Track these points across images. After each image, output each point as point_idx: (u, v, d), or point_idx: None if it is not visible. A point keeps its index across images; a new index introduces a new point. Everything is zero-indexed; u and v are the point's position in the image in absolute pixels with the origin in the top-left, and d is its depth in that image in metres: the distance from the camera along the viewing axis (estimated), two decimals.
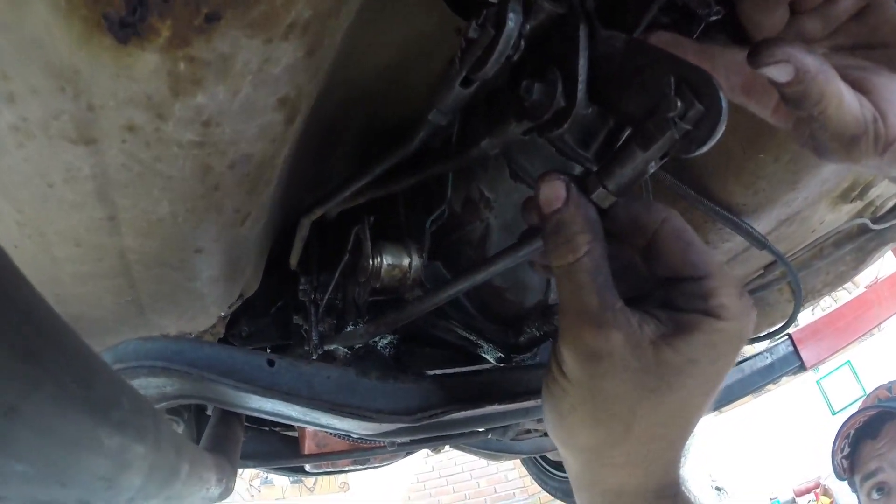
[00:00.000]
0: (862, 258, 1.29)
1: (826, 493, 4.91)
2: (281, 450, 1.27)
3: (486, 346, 0.81)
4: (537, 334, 0.78)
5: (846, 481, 1.54)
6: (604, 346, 0.43)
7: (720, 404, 1.79)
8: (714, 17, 0.47)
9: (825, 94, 0.40)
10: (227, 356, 0.51)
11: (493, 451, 1.82)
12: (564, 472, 2.14)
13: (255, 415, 0.59)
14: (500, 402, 0.63)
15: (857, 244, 1.22)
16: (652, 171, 0.44)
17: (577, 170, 0.56)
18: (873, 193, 0.95)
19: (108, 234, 0.44)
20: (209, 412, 1.07)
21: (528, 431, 1.99)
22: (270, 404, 0.54)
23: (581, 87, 0.43)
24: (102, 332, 0.62)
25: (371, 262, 0.63)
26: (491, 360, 0.86)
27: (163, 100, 0.32)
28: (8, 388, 0.22)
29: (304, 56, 0.34)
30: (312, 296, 0.76)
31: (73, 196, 0.39)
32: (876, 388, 1.62)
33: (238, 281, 0.64)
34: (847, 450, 1.50)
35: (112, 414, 0.34)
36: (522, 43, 0.43)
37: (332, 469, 1.40)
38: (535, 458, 2.31)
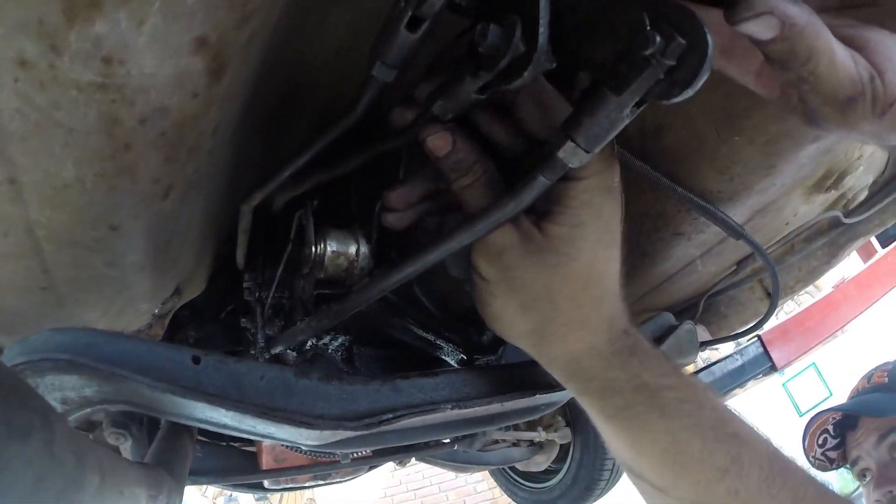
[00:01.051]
0: (833, 253, 1.27)
1: None
2: (239, 465, 1.21)
3: (446, 346, 0.76)
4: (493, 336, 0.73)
5: (836, 470, 1.60)
6: (502, 240, 0.49)
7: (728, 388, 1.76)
8: None
9: (815, 50, 0.36)
10: (145, 351, 0.45)
11: (461, 462, 1.77)
12: (534, 482, 2.11)
13: (181, 422, 0.52)
14: (460, 405, 0.57)
15: (828, 238, 1.20)
16: (627, 120, 0.39)
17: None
18: (848, 183, 0.94)
19: (11, 201, 0.38)
20: None
21: (496, 442, 1.95)
22: (195, 408, 0.48)
23: (542, 29, 0.38)
24: (23, 326, 0.55)
25: (314, 250, 0.57)
26: (452, 362, 0.80)
27: (56, 26, 0.27)
28: None
29: None
30: (257, 294, 0.70)
31: None
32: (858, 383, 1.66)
33: (169, 272, 0.58)
34: (832, 442, 1.54)
35: None
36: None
37: (292, 485, 1.33)
38: (503, 468, 2.26)
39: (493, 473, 2.39)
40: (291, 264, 0.65)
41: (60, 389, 0.48)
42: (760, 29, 0.35)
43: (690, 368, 2.32)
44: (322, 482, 1.40)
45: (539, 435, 1.91)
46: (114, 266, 0.48)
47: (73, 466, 0.39)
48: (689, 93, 0.36)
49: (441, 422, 0.64)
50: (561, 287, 0.50)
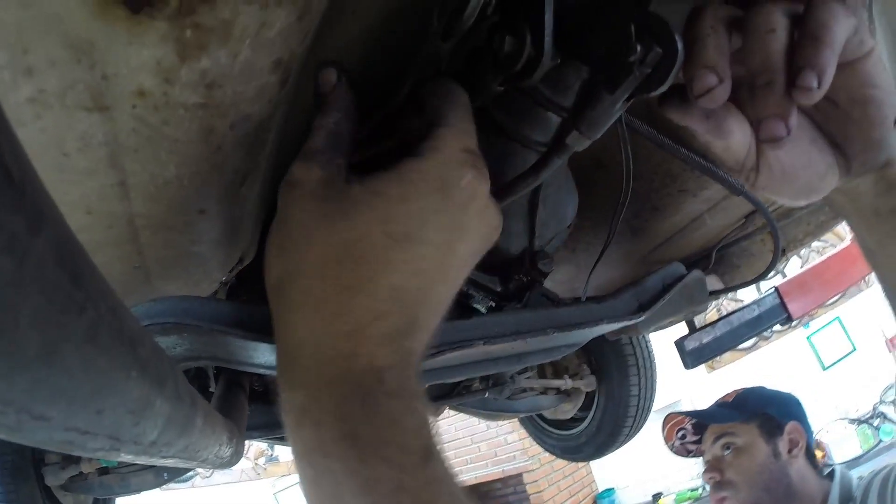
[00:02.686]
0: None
1: (819, 446, 5.05)
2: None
3: (476, 295, 0.85)
4: (524, 280, 0.81)
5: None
6: (302, 175, 0.44)
7: (709, 356, 1.85)
8: None
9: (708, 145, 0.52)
10: (233, 309, 0.54)
11: (493, 410, 1.88)
12: (561, 429, 2.22)
13: (260, 371, 0.62)
14: (490, 341, 0.67)
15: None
16: (620, 112, 0.50)
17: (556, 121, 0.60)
18: None
19: (118, 200, 0.47)
20: (213, 389, 1.10)
21: (524, 391, 2.05)
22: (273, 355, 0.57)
23: (547, 37, 0.47)
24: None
25: None
26: (482, 309, 0.89)
27: (171, 65, 0.35)
28: (57, 303, 0.25)
29: (295, 20, 0.37)
30: None
31: (86, 164, 0.41)
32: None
33: (238, 244, 0.67)
34: (692, 437, 1.91)
35: (138, 351, 0.37)
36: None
37: None
38: (532, 416, 2.38)
39: (522, 422, 2.51)
40: None
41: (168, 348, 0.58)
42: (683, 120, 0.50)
43: (709, 317, 2.39)
44: None
45: (565, 383, 2.01)
46: (197, 244, 0.57)
47: (189, 407, 0.49)
48: (663, 89, 0.47)
49: (474, 360, 0.73)
50: (320, 242, 0.43)
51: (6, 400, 0.25)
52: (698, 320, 2.10)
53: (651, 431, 2.19)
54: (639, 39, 0.44)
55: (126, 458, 0.45)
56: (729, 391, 1.99)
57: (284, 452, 6.03)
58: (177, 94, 0.37)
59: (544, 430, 2.36)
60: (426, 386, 1.27)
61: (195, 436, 0.54)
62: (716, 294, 1.41)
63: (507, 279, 0.82)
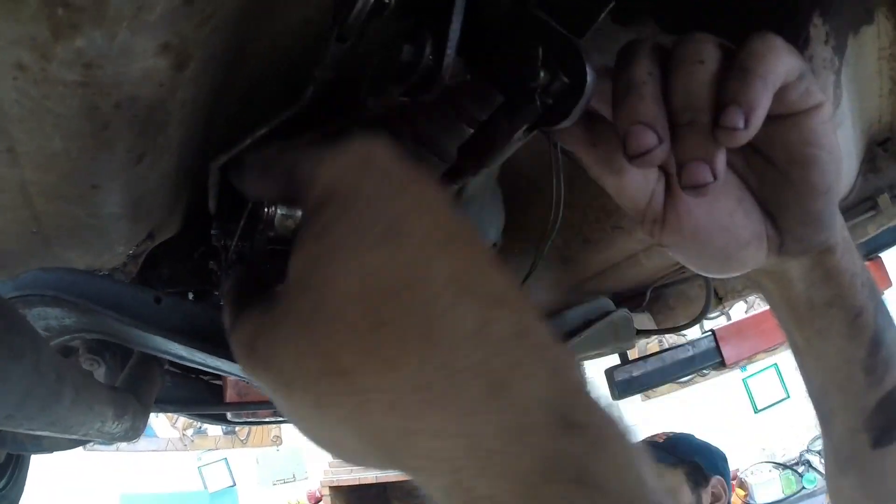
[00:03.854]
0: None
1: (742, 485, 5.16)
2: (203, 397, 1.30)
3: None
4: None
5: None
6: (242, 332, 0.35)
7: (637, 389, 1.87)
8: None
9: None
10: (116, 290, 0.54)
11: None
12: None
13: (149, 351, 0.62)
14: None
15: None
16: (521, 142, 0.46)
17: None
18: None
19: (9, 165, 0.46)
20: None
21: None
22: (155, 340, 0.57)
23: (449, 51, 0.44)
24: (13, 263, 0.63)
25: (266, 211, 0.66)
26: None
27: (45, 41, 0.35)
28: None
29: (181, 4, 0.37)
30: (223, 241, 0.79)
31: None
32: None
33: (143, 221, 0.66)
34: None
35: None
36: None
37: (253, 419, 1.43)
38: None
39: None
40: (251, 221, 0.73)
41: (45, 319, 0.58)
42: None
43: (650, 347, 2.42)
44: (282, 419, 1.49)
45: None
46: (94, 216, 0.57)
47: (53, 382, 0.49)
48: (566, 124, 0.42)
49: None
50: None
51: None
52: (638, 350, 2.12)
53: None
54: (545, 65, 0.40)
55: None
56: (659, 432, 2.04)
57: (212, 427, 5.96)
58: (54, 70, 0.37)
59: None
60: None
61: (62, 412, 0.53)
62: (645, 333, 1.40)
63: None
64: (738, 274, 0.49)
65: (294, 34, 0.58)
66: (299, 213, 0.69)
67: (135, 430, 0.80)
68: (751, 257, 0.47)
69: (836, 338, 0.50)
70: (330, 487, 5.79)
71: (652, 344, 2.72)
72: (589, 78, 0.40)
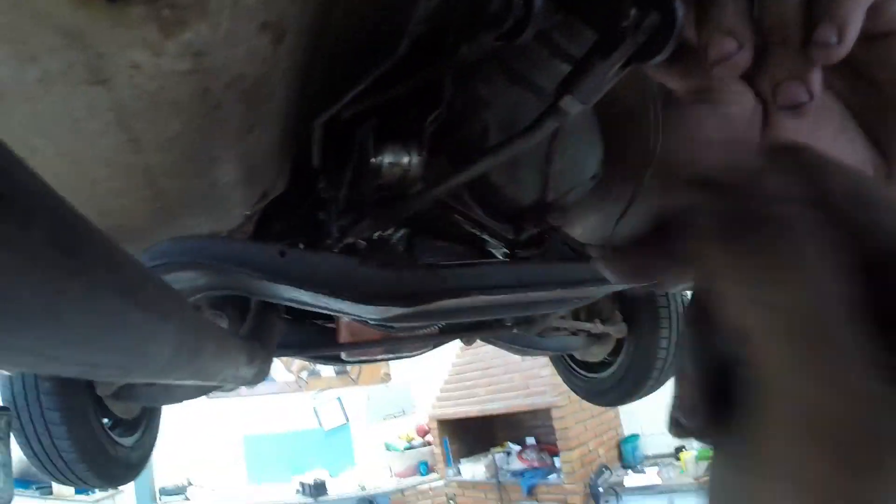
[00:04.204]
0: None
1: None
2: (318, 339, 1.39)
3: (490, 240, 0.87)
4: (535, 232, 0.83)
5: None
6: None
7: None
8: None
9: None
10: (243, 249, 0.59)
11: (522, 346, 1.93)
12: (589, 371, 2.24)
13: (275, 301, 0.67)
14: (490, 293, 0.69)
15: None
16: (616, 78, 0.45)
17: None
18: None
19: (132, 153, 0.51)
20: None
21: (557, 330, 2.09)
22: (283, 290, 0.62)
23: None
24: (142, 236, 0.70)
25: (373, 161, 0.69)
26: (498, 255, 0.91)
27: (156, 40, 0.37)
28: (53, 276, 0.29)
29: None
30: (331, 193, 0.83)
31: (97, 126, 0.45)
32: None
33: (257, 183, 0.71)
34: None
35: (139, 296, 0.42)
36: None
37: (365, 358, 1.52)
38: (563, 356, 2.41)
39: (553, 360, 2.56)
40: (357, 170, 0.77)
41: (178, 282, 0.64)
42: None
43: None
44: (392, 356, 1.57)
45: (595, 326, 2.02)
46: (213, 186, 0.61)
47: (197, 336, 0.55)
48: (659, 59, 0.41)
49: (474, 305, 0.76)
50: None
51: (22, 348, 0.31)
52: None
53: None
54: (635, 2, 0.41)
55: (139, 380, 0.51)
56: None
57: (324, 369, 6.33)
58: (167, 63, 0.40)
59: (573, 371, 2.39)
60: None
61: (206, 360, 0.60)
62: None
63: (519, 229, 0.84)
64: None
65: None
66: (405, 159, 0.71)
67: (262, 373, 0.87)
68: None
69: None
70: (437, 420, 6.07)
71: None
72: (679, 11, 0.40)
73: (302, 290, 0.61)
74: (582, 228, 1.29)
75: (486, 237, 0.89)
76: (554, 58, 0.65)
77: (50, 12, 0.34)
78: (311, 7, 0.49)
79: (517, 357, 5.64)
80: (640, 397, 2.15)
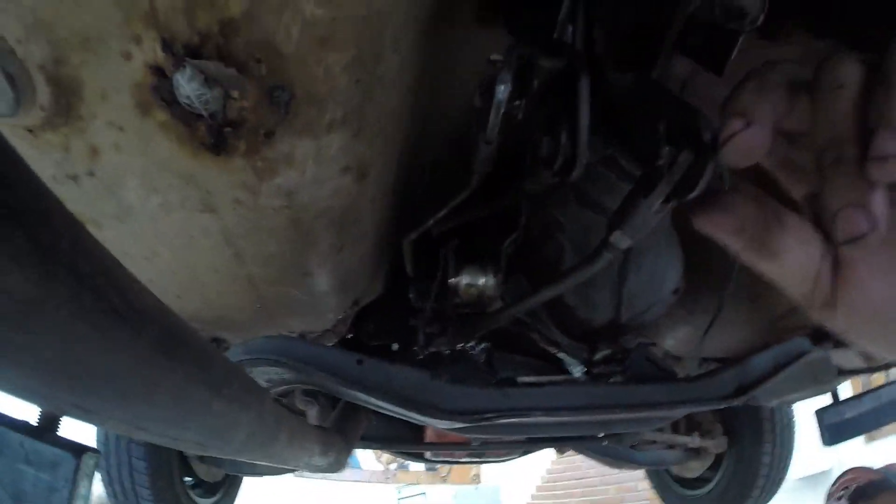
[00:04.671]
0: None
1: None
2: (405, 436, 1.43)
3: (566, 358, 0.89)
4: (608, 353, 0.84)
5: None
6: None
7: (852, 433, 1.66)
8: (751, 28, 0.44)
9: None
10: (324, 354, 0.66)
11: (614, 457, 1.86)
12: (686, 487, 2.11)
13: (353, 401, 0.73)
14: (549, 413, 0.71)
15: None
16: (661, 214, 0.46)
17: None
18: None
19: (237, 265, 0.60)
20: None
21: (653, 442, 1.99)
22: (357, 395, 0.68)
23: (582, 136, 0.47)
24: (245, 328, 0.80)
25: (451, 281, 0.75)
26: (575, 372, 0.93)
27: (253, 183, 0.46)
28: (152, 372, 0.36)
29: (351, 137, 0.46)
30: (419, 303, 0.90)
31: (207, 242, 0.55)
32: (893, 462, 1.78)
33: (349, 292, 0.79)
34: (844, 502, 1.73)
35: (223, 391, 0.49)
36: (521, 103, 0.48)
37: (449, 458, 1.53)
38: (660, 471, 2.28)
39: (649, 473, 2.42)
40: (440, 286, 0.83)
41: (267, 374, 0.72)
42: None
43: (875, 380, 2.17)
44: (478, 460, 1.58)
45: (693, 441, 1.92)
46: (307, 295, 0.69)
47: (273, 427, 0.61)
48: (695, 193, 0.42)
49: (537, 424, 0.78)
50: None
51: (119, 418, 0.39)
52: (863, 384, 1.90)
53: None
54: (669, 141, 0.41)
55: (214, 455, 0.59)
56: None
57: (414, 463, 6.28)
58: (263, 201, 0.48)
59: (668, 487, 2.25)
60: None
61: (278, 447, 0.66)
62: (850, 373, 1.29)
63: (594, 349, 0.85)
64: None
65: (457, 128, 0.67)
66: (482, 280, 0.77)
67: (338, 464, 0.92)
68: None
69: None
70: None
71: (879, 377, 2.40)
72: (709, 145, 0.39)
73: (374, 398, 0.66)
74: (674, 340, 1.26)
75: (561, 355, 0.91)
76: (621, 181, 0.69)
77: (170, 159, 0.44)
78: (389, 152, 0.57)
79: (614, 468, 5.33)
80: None
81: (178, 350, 0.41)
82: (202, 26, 0.35)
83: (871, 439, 4.21)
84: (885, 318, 0.35)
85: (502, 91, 0.46)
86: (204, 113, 0.40)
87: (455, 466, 6.28)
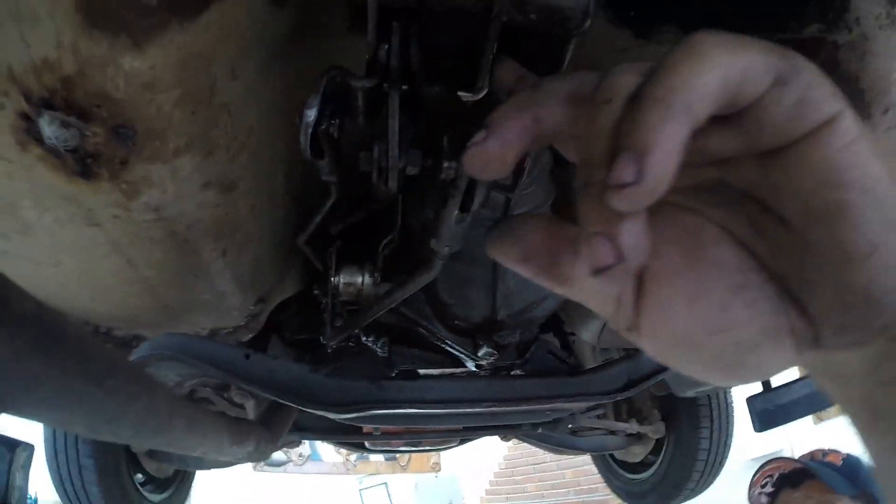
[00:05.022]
0: None
1: None
2: (344, 427, 1.51)
3: (456, 352, 0.98)
4: (489, 349, 0.92)
5: None
6: None
7: (782, 420, 1.67)
8: (578, 34, 0.44)
9: None
10: (216, 350, 0.74)
11: (554, 444, 1.95)
12: (629, 472, 2.20)
13: (248, 390, 0.81)
14: (427, 406, 0.80)
15: None
16: (463, 224, 0.52)
17: None
18: None
19: (131, 270, 0.68)
20: None
21: (595, 429, 2.09)
22: (249, 387, 0.76)
23: (392, 150, 0.50)
24: (158, 326, 0.88)
25: (332, 280, 0.83)
26: (471, 367, 1.01)
27: (123, 202, 0.55)
28: (30, 368, 0.44)
29: (202, 158, 0.55)
30: (321, 299, 0.98)
31: (100, 252, 0.63)
32: (816, 449, 1.86)
33: (250, 291, 0.87)
34: (770, 489, 1.75)
35: (106, 382, 0.57)
36: (337, 123, 0.53)
37: (387, 448, 1.61)
38: (605, 455, 2.39)
39: (594, 459, 2.52)
40: (327, 286, 0.91)
41: (175, 369, 0.80)
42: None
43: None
44: (415, 449, 1.66)
45: (631, 427, 2.02)
46: (202, 295, 0.78)
47: (164, 414, 0.69)
48: (473, 208, 0.50)
49: (409, 415, 0.87)
50: None
51: (13, 409, 0.46)
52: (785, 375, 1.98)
53: (734, 484, 2.11)
54: (451, 155, 0.45)
55: (109, 440, 0.66)
56: (834, 450, 1.86)
57: (374, 454, 6.41)
58: (136, 216, 0.57)
59: (612, 470, 2.37)
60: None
61: (176, 435, 0.73)
62: None
63: (476, 345, 0.93)
64: (763, 378, 0.36)
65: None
66: (359, 279, 0.85)
67: (260, 454, 1.00)
68: (767, 361, 0.33)
69: None
70: None
71: None
72: (466, 165, 0.40)
73: (259, 390, 0.75)
74: (588, 332, 1.35)
75: (450, 349, 0.99)
76: (492, 188, 0.77)
77: (52, 184, 0.52)
78: (263, 163, 0.66)
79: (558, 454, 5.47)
80: (682, 501, 2.08)
81: (55, 347, 0.49)
82: (48, 83, 0.43)
83: (819, 420, 4.34)
84: (688, 344, 0.34)
85: (310, 115, 0.50)
86: (67, 148, 0.49)
87: (414, 456, 6.39)
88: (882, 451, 0.35)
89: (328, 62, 0.51)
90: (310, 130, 0.51)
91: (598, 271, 0.28)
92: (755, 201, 0.32)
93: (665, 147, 0.25)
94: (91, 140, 0.48)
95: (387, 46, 0.46)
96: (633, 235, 0.28)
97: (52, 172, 0.51)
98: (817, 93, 0.27)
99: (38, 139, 0.49)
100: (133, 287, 0.71)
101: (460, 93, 0.45)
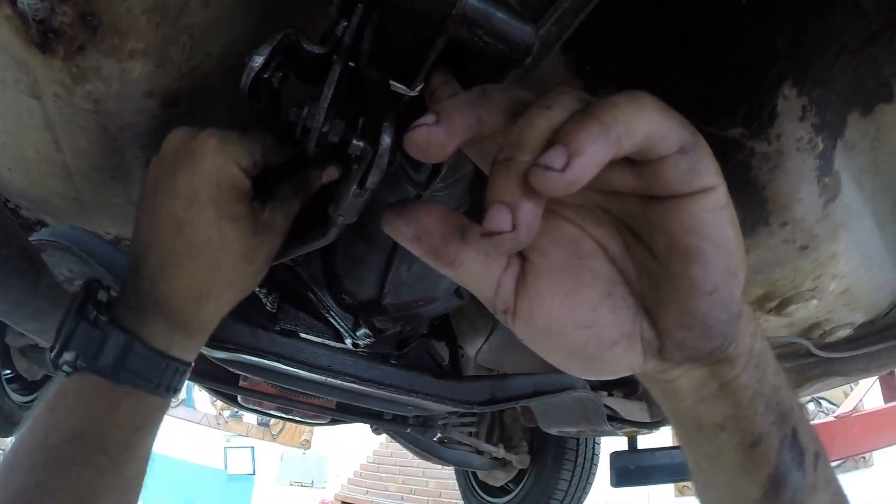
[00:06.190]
0: (800, 382, 1.25)
1: None
2: (221, 375, 1.51)
3: (338, 325, 1.01)
4: (367, 330, 0.96)
5: None
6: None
7: (638, 482, 1.76)
8: (518, 66, 0.47)
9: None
10: (112, 255, 0.76)
11: (420, 448, 2.00)
12: (488, 494, 2.25)
13: None
14: (293, 365, 0.84)
15: (794, 364, 1.15)
16: (363, 197, 0.55)
17: None
18: (797, 312, 0.91)
19: (55, 151, 0.71)
20: None
21: (462, 444, 2.14)
22: None
23: (320, 115, 0.53)
24: (64, 216, 0.89)
25: None
26: (349, 343, 1.05)
27: (69, 84, 0.58)
28: None
29: (154, 67, 0.58)
30: None
31: (31, 123, 0.66)
32: None
33: None
34: None
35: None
36: (279, 76, 0.55)
37: (259, 408, 1.62)
38: (467, 472, 2.44)
39: (457, 473, 2.58)
40: None
41: (68, 262, 0.82)
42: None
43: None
44: (284, 416, 1.66)
45: (498, 451, 2.07)
46: (115, 196, 0.80)
47: (46, 302, 0.71)
48: (368, 186, 0.53)
49: (274, 370, 0.91)
50: None
51: None
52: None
53: None
54: (362, 135, 0.49)
55: None
56: None
57: (248, 415, 6.33)
58: (77, 100, 0.60)
59: (472, 490, 2.42)
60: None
61: (49, 327, 0.75)
62: (621, 423, 1.40)
63: (357, 323, 0.97)
64: (610, 377, 0.42)
65: None
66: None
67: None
68: (620, 360, 0.40)
69: (725, 468, 0.43)
70: (342, 502, 5.86)
71: None
72: (384, 144, 0.46)
73: None
74: (472, 349, 1.40)
75: (334, 322, 1.02)
76: (406, 181, 0.78)
77: (9, 45, 0.55)
78: (218, 93, 0.69)
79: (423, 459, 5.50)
80: None
81: None
82: None
83: (681, 493, 4.53)
84: (557, 333, 0.40)
85: (256, 61, 0.53)
86: (35, 18, 0.52)
87: (287, 427, 6.31)
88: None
89: (291, 24, 0.55)
90: (252, 74, 0.54)
91: (490, 234, 0.33)
92: (631, 231, 0.39)
93: (593, 157, 0.31)
94: (58, 17, 0.52)
95: (345, 23, 0.51)
96: (529, 214, 0.33)
97: (13, 34, 0.54)
98: (706, 168, 0.34)
99: (12, 1, 0.52)
100: (52, 168, 0.73)
101: (394, 83, 0.52)
